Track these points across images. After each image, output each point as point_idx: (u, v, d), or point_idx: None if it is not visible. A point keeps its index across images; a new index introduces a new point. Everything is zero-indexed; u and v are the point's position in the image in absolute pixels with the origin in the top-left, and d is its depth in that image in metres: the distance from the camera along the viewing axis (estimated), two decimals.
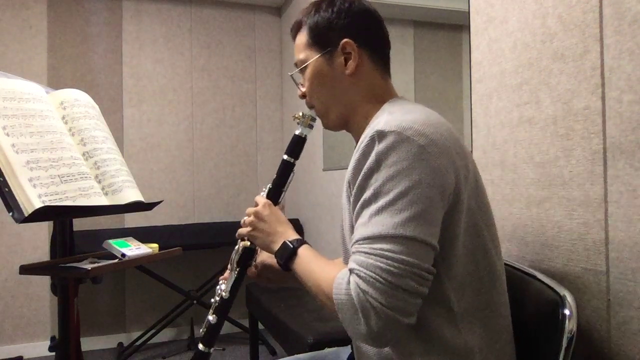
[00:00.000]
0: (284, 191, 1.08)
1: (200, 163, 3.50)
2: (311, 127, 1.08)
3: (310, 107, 1.06)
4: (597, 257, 1.01)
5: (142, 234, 2.47)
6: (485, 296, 0.86)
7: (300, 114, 1.08)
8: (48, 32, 3.15)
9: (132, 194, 1.36)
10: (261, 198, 1.06)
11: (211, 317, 1.09)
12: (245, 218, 1.04)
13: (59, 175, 1.17)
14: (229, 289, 1.08)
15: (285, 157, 1.08)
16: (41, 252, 3.07)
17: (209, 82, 3.54)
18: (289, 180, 1.08)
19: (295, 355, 1.17)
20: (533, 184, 1.19)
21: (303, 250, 0.92)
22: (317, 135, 2.92)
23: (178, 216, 3.42)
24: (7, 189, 1.07)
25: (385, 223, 0.75)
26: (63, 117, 1.33)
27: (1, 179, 1.08)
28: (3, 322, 3.02)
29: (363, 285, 0.74)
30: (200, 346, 1.09)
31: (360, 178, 0.81)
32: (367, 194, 0.79)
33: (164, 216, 3.35)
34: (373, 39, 0.99)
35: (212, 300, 1.11)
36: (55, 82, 3.11)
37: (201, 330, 1.11)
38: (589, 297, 1.03)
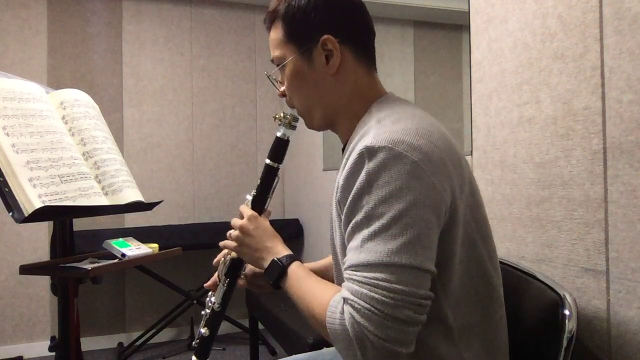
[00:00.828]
0: (269, 197, 1.03)
1: (200, 163, 3.50)
2: (294, 127, 1.01)
3: (292, 106, 0.98)
4: (597, 257, 1.01)
5: (142, 234, 2.46)
6: (481, 309, 0.82)
7: (282, 114, 1.00)
8: (48, 32, 3.15)
9: (132, 194, 1.36)
10: (246, 209, 1.01)
11: (203, 330, 1.06)
12: (232, 231, 1.00)
13: (59, 175, 1.17)
14: (219, 301, 1.05)
15: (267, 161, 1.02)
16: (41, 252, 3.07)
17: (209, 82, 3.54)
18: (273, 186, 1.03)
19: (295, 355, 1.17)
20: (533, 184, 1.19)
21: (293, 269, 0.88)
22: (317, 135, 2.92)
23: (178, 216, 3.42)
24: (7, 189, 1.07)
25: (378, 250, 0.71)
26: (63, 117, 1.33)
27: (1, 179, 1.08)
28: (3, 322, 3.02)
29: (358, 317, 0.70)
30: (194, 359, 1.07)
31: (350, 199, 0.76)
32: (359, 216, 0.74)
33: (164, 216, 3.35)
34: (356, 32, 0.91)
35: (203, 312, 1.08)
36: (55, 82, 3.11)
37: (194, 343, 1.08)
38: (589, 297, 1.03)
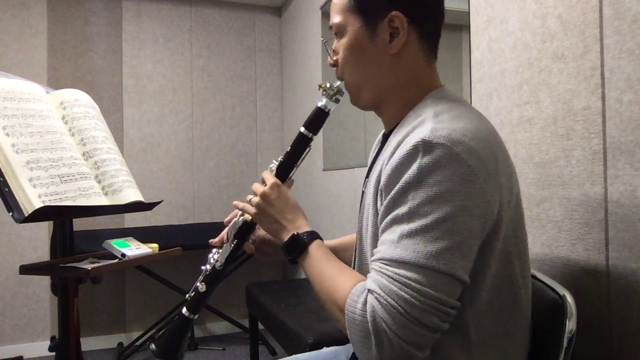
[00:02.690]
0: (295, 167, 0.98)
1: (200, 163, 3.50)
2: (337, 101, 0.95)
3: (340, 78, 0.92)
4: (597, 257, 1.01)
5: (142, 234, 2.45)
6: (504, 326, 0.79)
7: (328, 84, 0.94)
8: (48, 32, 3.14)
9: (132, 194, 1.36)
10: (270, 175, 0.96)
11: (200, 285, 1.02)
12: (252, 197, 0.95)
13: (59, 175, 1.17)
14: (222, 260, 1.01)
15: (302, 129, 0.96)
16: (41, 252, 3.07)
17: (209, 82, 3.54)
18: (302, 156, 0.98)
19: (295, 355, 1.17)
20: (533, 184, 1.19)
21: (315, 248, 0.86)
22: (317, 135, 2.92)
23: (178, 216, 3.42)
24: (7, 189, 1.07)
25: (417, 250, 0.68)
26: (63, 117, 1.32)
27: (1, 179, 1.08)
28: (3, 322, 3.02)
29: (381, 313, 0.68)
30: (184, 310, 1.04)
31: (396, 190, 0.72)
32: (402, 210, 0.71)
33: (164, 216, 3.35)
34: (428, 15, 0.85)
35: (203, 267, 1.04)
36: (55, 82, 3.11)
37: (187, 295, 1.05)
38: (589, 297, 1.03)
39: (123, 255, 1.34)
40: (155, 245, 1.49)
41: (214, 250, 1.05)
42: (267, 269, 3.65)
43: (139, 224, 3.27)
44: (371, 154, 1.07)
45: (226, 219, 1.05)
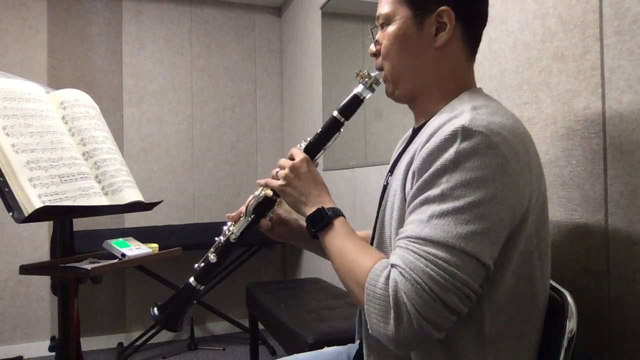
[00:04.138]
0: (323, 150, 1.00)
1: (200, 163, 3.50)
2: (373, 90, 0.96)
3: (379, 68, 0.94)
4: (597, 257, 1.01)
5: (142, 234, 2.46)
6: (520, 324, 0.79)
7: (366, 72, 0.95)
8: (48, 32, 3.15)
9: (132, 194, 1.36)
10: (299, 151, 0.97)
11: (212, 256, 1.03)
12: (278, 170, 0.96)
13: (59, 175, 1.17)
14: (238, 233, 1.01)
15: (335, 113, 0.97)
16: (41, 252, 3.07)
17: (209, 82, 3.54)
18: (332, 140, 0.99)
19: (295, 355, 1.17)
20: None
21: (339, 224, 0.86)
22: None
23: (178, 216, 3.42)
24: (7, 189, 1.07)
25: (447, 230, 0.68)
26: (63, 117, 1.32)
27: (1, 179, 1.08)
28: (3, 322, 3.02)
29: (405, 287, 0.68)
30: (192, 280, 1.04)
31: (430, 172, 0.72)
32: (434, 191, 0.71)
33: (164, 216, 3.35)
34: (474, 14, 0.87)
35: (217, 238, 1.04)
36: (55, 82, 3.11)
37: (196, 265, 1.05)
38: (589, 297, 1.03)
39: (123, 255, 1.34)
40: (155, 245, 1.49)
41: (229, 223, 1.05)
42: (267, 269, 3.65)
43: (139, 224, 3.27)
44: (396, 150, 1.07)
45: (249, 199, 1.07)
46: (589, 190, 1.03)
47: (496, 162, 0.70)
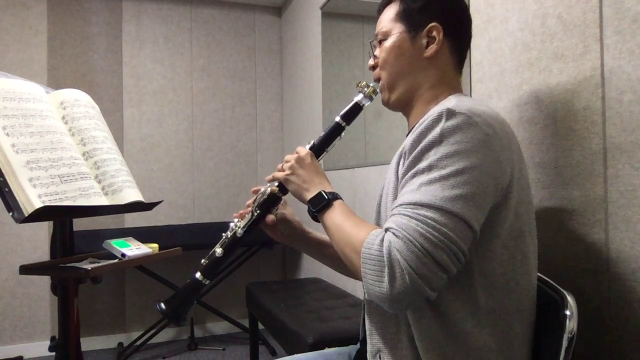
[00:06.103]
0: (326, 151, 1.10)
1: (200, 163, 3.50)
2: (371, 99, 1.08)
3: (377, 79, 1.05)
4: (597, 257, 1.01)
5: (142, 234, 2.46)
6: (516, 302, 0.85)
7: (364, 82, 1.08)
8: (48, 32, 3.15)
9: (132, 194, 1.36)
10: (303, 148, 1.07)
11: (218, 250, 1.08)
12: (284, 163, 1.05)
13: (59, 175, 1.17)
14: (245, 228, 1.08)
15: (338, 119, 1.08)
16: (41, 252, 3.07)
17: (209, 82, 3.54)
18: (334, 142, 1.10)
19: (295, 355, 1.17)
20: (533, 184, 1.19)
21: (338, 204, 0.93)
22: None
23: (178, 216, 3.42)
24: (7, 189, 1.07)
25: (435, 194, 0.75)
26: (63, 117, 1.32)
27: (1, 179, 1.08)
28: (3, 322, 3.02)
29: (398, 245, 0.73)
30: (198, 274, 1.07)
31: (418, 149, 0.80)
32: (422, 164, 0.79)
33: (164, 216, 3.35)
34: (460, 32, 1.00)
35: (224, 234, 1.10)
36: (55, 82, 3.11)
37: (203, 260, 1.09)
38: (589, 297, 1.03)
39: (123, 255, 1.34)
40: (155, 245, 1.49)
41: (236, 220, 1.11)
42: (267, 269, 3.65)
43: (139, 224, 3.27)
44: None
45: (254, 189, 1.14)
46: (589, 190, 1.03)
47: (478, 137, 0.78)
